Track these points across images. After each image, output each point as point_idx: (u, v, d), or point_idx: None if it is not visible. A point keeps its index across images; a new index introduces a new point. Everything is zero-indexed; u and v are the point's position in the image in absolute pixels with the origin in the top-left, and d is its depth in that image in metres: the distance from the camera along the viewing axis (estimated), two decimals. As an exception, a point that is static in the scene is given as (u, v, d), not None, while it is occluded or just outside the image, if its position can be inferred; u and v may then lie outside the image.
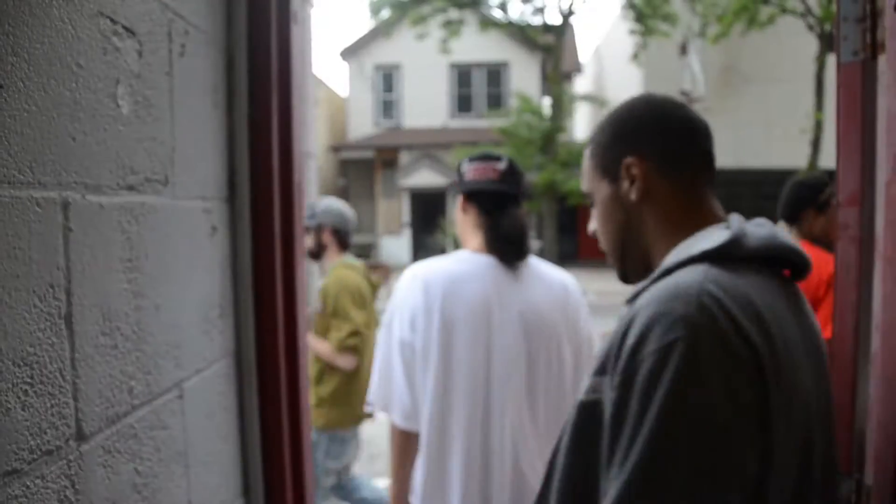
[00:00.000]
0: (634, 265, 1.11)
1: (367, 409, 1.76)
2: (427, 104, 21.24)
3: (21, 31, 0.73)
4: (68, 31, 0.81)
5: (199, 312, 1.18)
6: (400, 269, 3.69)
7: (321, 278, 3.26)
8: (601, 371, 0.90)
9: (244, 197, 1.32)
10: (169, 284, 1.06)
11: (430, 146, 19.62)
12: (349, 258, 3.19)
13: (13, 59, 0.71)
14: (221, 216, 1.27)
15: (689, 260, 0.94)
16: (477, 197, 1.76)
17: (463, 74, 21.53)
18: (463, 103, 21.66)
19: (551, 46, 17.11)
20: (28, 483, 0.73)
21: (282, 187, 1.35)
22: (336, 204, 3.22)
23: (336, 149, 21.34)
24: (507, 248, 1.71)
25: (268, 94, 1.32)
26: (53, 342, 0.78)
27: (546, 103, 18.95)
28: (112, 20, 0.90)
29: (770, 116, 17.08)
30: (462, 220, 1.81)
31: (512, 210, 1.75)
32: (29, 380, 0.73)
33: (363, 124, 21.62)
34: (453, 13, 17.14)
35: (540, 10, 18.11)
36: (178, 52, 1.10)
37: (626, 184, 1.07)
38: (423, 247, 18.06)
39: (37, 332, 0.75)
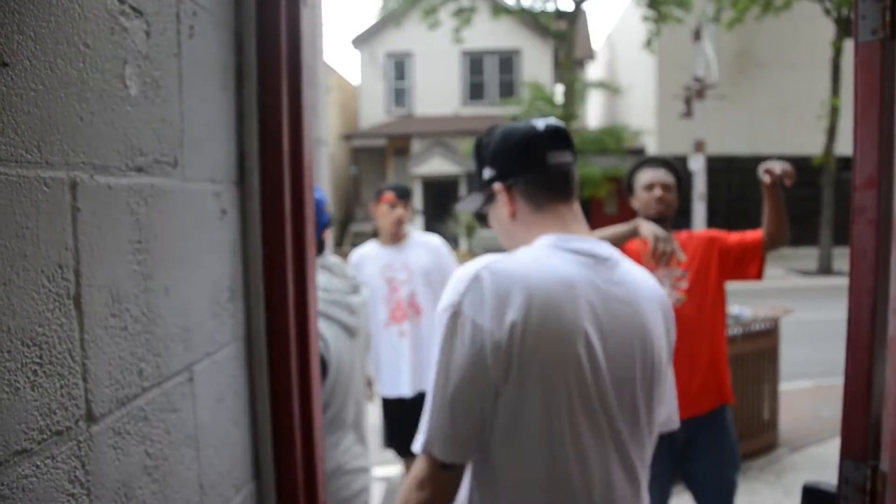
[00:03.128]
0: None
1: None
2: (439, 92, 21.18)
3: (27, 10, 0.72)
4: (75, 10, 0.80)
5: (209, 296, 1.17)
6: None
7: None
8: None
9: (254, 180, 1.31)
10: (178, 267, 1.06)
11: (442, 134, 19.58)
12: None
13: (19, 38, 0.71)
14: (231, 199, 1.27)
15: None
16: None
17: (475, 62, 21.44)
18: (475, 91, 21.58)
19: (564, 33, 17.00)
20: (38, 463, 0.73)
21: (292, 170, 1.34)
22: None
23: (348, 137, 21.34)
24: None
25: (277, 77, 1.31)
26: (62, 322, 0.78)
27: (558, 90, 18.84)
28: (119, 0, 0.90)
29: (785, 103, 16.91)
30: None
31: None
32: (38, 360, 0.73)
33: (375, 112, 21.60)
34: (465, 1, 17.05)
35: (552, -3, 17.97)
36: (187, 34, 1.09)
37: None
38: (435, 234, 18.08)
39: (45, 312, 0.75)
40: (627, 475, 1.35)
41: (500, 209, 1.41)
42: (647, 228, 2.52)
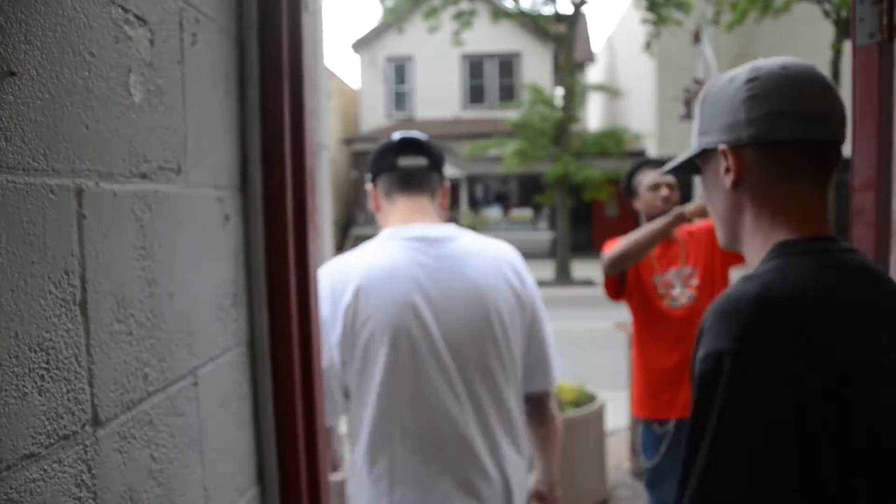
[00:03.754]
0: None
1: None
2: (439, 95, 21.21)
3: (34, 20, 0.73)
4: (80, 20, 0.81)
5: (213, 301, 1.18)
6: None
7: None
8: None
9: (257, 185, 1.32)
10: (182, 272, 1.07)
11: (443, 137, 19.58)
12: None
13: (26, 47, 0.72)
14: (234, 205, 1.28)
15: None
16: None
17: (475, 65, 21.49)
18: (475, 94, 21.62)
19: (563, 36, 17.01)
20: (45, 467, 0.74)
21: (294, 176, 1.35)
22: None
23: (348, 141, 21.38)
24: None
25: (279, 83, 1.32)
26: (69, 328, 0.78)
27: (558, 93, 18.86)
28: (124, 8, 0.91)
29: (785, 105, 16.90)
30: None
31: None
32: (45, 365, 0.74)
33: (375, 116, 21.64)
34: (465, 4, 17.07)
35: (552, 0, 18.00)
36: (190, 41, 1.10)
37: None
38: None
39: (52, 318, 0.76)
40: (486, 437, 1.62)
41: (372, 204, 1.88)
42: (691, 207, 2.60)
